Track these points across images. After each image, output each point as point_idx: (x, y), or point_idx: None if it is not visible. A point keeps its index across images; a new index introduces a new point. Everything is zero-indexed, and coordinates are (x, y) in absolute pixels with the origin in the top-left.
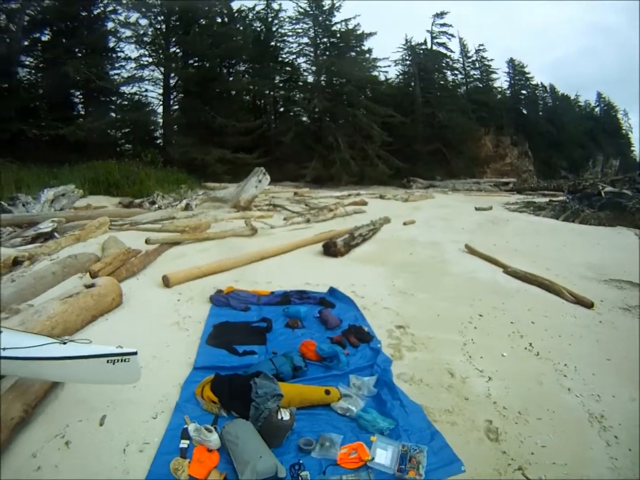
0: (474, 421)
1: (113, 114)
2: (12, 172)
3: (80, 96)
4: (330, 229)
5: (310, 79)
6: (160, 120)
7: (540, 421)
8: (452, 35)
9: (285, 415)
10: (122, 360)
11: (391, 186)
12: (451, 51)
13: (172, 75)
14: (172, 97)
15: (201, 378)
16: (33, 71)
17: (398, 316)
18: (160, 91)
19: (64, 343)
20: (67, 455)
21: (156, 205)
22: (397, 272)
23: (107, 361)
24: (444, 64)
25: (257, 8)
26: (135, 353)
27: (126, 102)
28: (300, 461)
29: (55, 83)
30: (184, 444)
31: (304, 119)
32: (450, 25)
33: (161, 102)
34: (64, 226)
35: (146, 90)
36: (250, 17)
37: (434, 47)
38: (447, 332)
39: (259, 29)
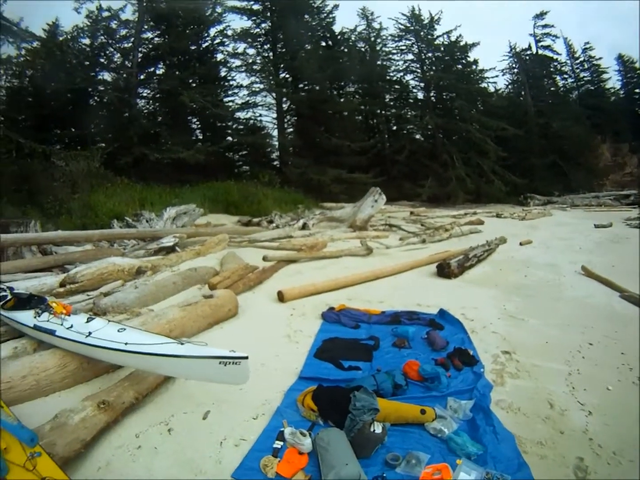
0: (564, 457)
1: (230, 138)
2: (136, 191)
3: (198, 122)
4: (445, 250)
5: (420, 95)
6: (276, 143)
7: (632, 464)
8: (556, 37)
9: (377, 428)
10: (233, 363)
11: (508, 204)
12: (557, 54)
13: (284, 99)
14: (286, 120)
15: (304, 387)
16: (151, 101)
17: (505, 341)
18: (274, 115)
19: (182, 344)
20: (167, 440)
21: (274, 224)
22: (510, 295)
23: (220, 362)
24: (552, 69)
25: (359, 29)
26: (246, 357)
27: (242, 127)
28: (384, 474)
29: (173, 111)
30: (278, 444)
31: (417, 136)
32: (552, 26)
33: (276, 126)
34: (185, 241)
35: (260, 115)
36: (353, 38)
37: (539, 51)
38: (553, 361)
39: (363, 49)
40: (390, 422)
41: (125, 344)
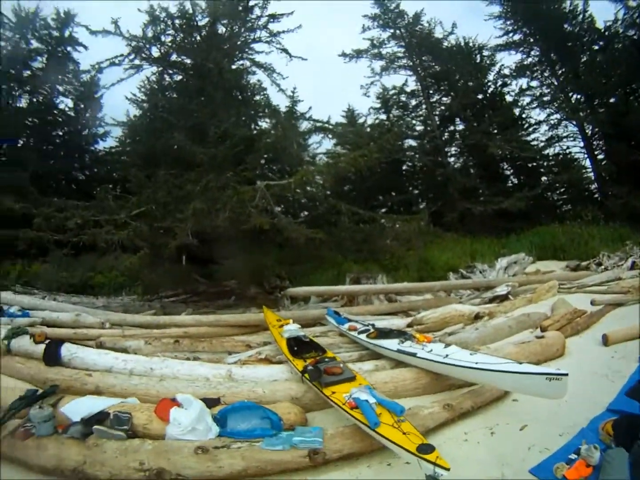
0: None
1: (544, 177)
2: (466, 244)
3: (509, 168)
4: None
5: None
6: (591, 174)
7: None
8: None
9: None
10: (556, 379)
11: None
12: None
13: (585, 124)
14: (594, 145)
15: (609, 417)
16: (459, 156)
17: None
18: (582, 144)
19: (520, 363)
20: (488, 439)
21: (602, 267)
22: None
23: (546, 378)
24: None
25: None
26: (566, 374)
27: (552, 163)
28: None
29: (483, 162)
30: (573, 457)
31: None
32: None
33: (587, 155)
34: (517, 290)
35: (567, 147)
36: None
37: None
38: None
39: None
40: None
41: (476, 363)
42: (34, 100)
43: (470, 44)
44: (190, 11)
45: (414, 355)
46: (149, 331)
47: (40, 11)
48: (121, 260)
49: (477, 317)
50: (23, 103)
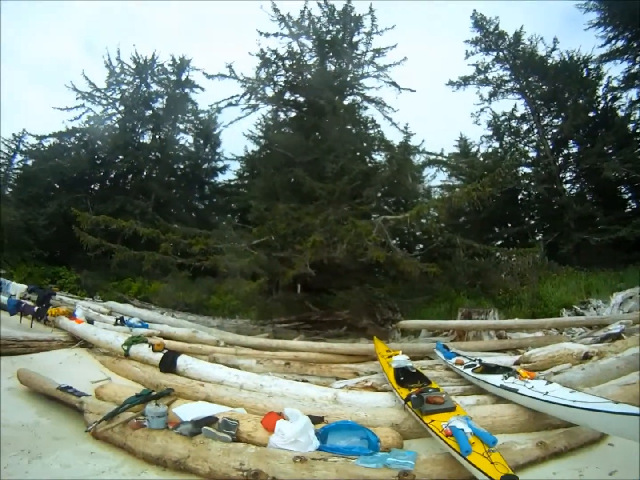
0: None
1: None
2: (581, 278)
3: (627, 192)
4: None
5: None
6: None
7: None
8: None
9: None
10: None
11: None
12: None
13: None
14: None
15: None
16: (574, 182)
17: None
18: None
19: (616, 403)
20: None
21: None
22: None
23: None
24: None
25: None
26: None
27: None
28: None
29: (599, 187)
30: None
31: None
32: None
33: None
34: (631, 328)
35: None
36: None
37: None
38: None
39: None
40: None
41: (574, 401)
42: (157, 137)
43: (575, 58)
44: (299, 51)
45: (515, 391)
46: (260, 352)
47: (156, 58)
48: (241, 285)
49: (586, 356)
50: (147, 139)
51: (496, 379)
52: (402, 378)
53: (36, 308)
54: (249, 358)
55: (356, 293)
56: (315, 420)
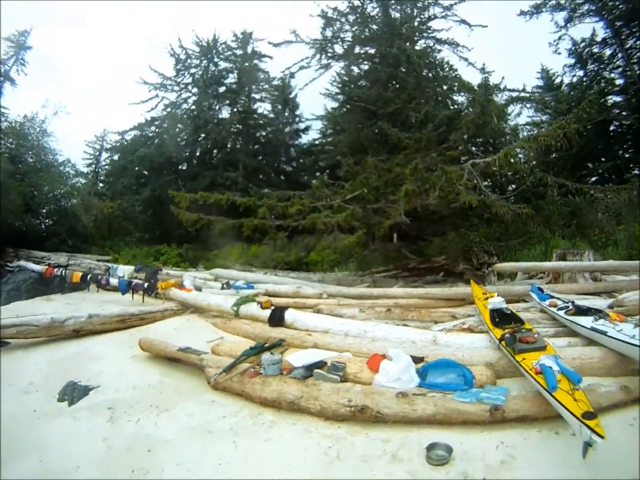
0: None
1: None
2: None
3: None
4: None
5: None
6: None
7: None
8: None
9: None
10: None
11: None
12: None
13: None
14: None
15: None
16: None
17: None
18: None
19: None
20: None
21: None
22: None
23: None
24: None
25: None
26: None
27: None
28: None
29: None
30: None
31: None
32: None
33: None
34: None
35: None
36: None
37: None
38: None
39: None
40: None
41: (632, 337)
42: (234, 110)
43: None
44: (360, 3)
45: (604, 333)
46: (362, 302)
47: (218, 37)
48: (339, 240)
49: None
50: (225, 114)
51: (587, 320)
52: (497, 319)
53: (146, 284)
54: (352, 307)
55: (452, 238)
56: (416, 360)
